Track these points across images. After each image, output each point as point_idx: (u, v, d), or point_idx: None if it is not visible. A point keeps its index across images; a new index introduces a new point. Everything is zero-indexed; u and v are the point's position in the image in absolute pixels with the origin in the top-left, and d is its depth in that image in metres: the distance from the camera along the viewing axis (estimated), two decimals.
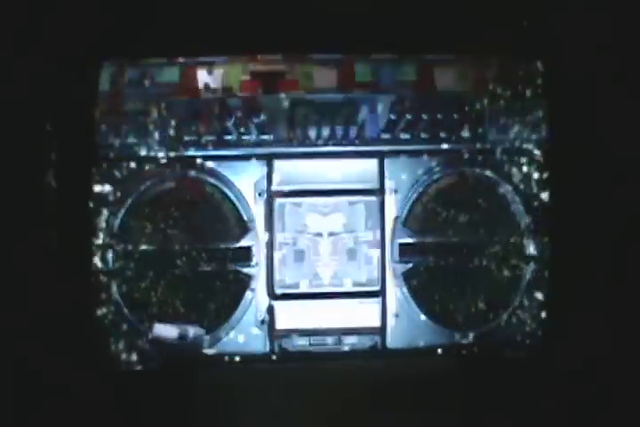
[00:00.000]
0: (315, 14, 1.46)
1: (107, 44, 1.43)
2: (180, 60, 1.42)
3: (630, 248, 1.45)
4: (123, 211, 1.41)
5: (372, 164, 1.45)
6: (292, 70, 1.43)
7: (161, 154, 1.42)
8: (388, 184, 1.45)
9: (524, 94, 1.47)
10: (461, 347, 1.46)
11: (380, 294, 1.45)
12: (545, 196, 1.47)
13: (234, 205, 1.43)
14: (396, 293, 1.45)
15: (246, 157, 1.44)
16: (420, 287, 1.46)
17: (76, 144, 1.42)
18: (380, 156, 1.45)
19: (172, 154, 1.42)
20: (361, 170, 1.45)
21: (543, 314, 1.47)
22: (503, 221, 1.47)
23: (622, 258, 1.46)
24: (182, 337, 1.40)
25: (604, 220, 1.48)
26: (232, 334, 1.42)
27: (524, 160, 1.47)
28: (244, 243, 1.43)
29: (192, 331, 1.41)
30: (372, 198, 1.45)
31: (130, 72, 1.41)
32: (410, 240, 1.45)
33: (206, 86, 1.42)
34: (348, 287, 1.45)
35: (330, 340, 1.44)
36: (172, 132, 1.42)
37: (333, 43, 1.44)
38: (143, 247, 1.41)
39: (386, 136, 1.45)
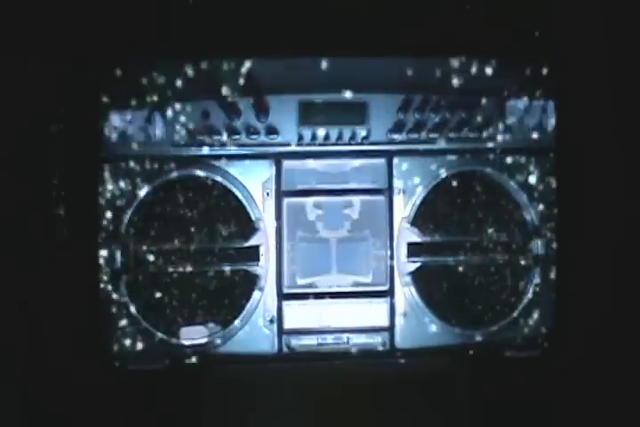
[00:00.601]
0: (322, 15, 1.46)
1: (114, 43, 1.43)
2: (189, 59, 1.42)
3: (635, 249, 1.46)
4: (130, 210, 1.41)
5: (381, 163, 1.45)
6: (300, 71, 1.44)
7: (169, 153, 1.42)
8: (396, 184, 1.45)
9: (530, 94, 1.47)
10: (469, 346, 1.46)
11: (389, 293, 1.45)
12: (552, 196, 1.47)
13: (242, 204, 1.43)
14: (404, 292, 1.45)
15: (255, 157, 1.44)
16: (428, 287, 1.46)
17: (83, 144, 1.42)
18: (389, 155, 1.45)
19: (180, 153, 1.42)
20: (369, 170, 1.45)
21: (550, 314, 1.47)
22: (510, 221, 1.47)
23: (627, 258, 1.46)
24: (206, 335, 1.41)
25: (610, 220, 1.49)
26: (240, 334, 1.42)
27: (531, 160, 1.47)
28: (252, 242, 1.43)
29: (213, 328, 1.41)
30: (381, 198, 1.45)
31: (137, 72, 1.40)
32: (418, 240, 1.45)
33: (214, 86, 1.42)
34: (357, 287, 1.45)
35: (338, 339, 1.44)
36: (180, 131, 1.42)
37: (341, 43, 1.45)
38: (151, 247, 1.41)
39: (394, 136, 1.45)
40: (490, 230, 1.46)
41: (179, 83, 1.40)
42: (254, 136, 1.43)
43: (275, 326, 1.43)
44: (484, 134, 1.46)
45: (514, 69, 1.46)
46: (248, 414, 1.42)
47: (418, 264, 1.45)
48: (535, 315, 1.47)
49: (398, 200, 1.46)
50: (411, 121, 1.45)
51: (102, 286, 1.40)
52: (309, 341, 1.44)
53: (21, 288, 1.32)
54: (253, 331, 1.43)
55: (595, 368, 1.46)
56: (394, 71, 1.44)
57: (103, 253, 1.40)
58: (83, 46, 1.42)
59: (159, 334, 1.40)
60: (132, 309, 1.40)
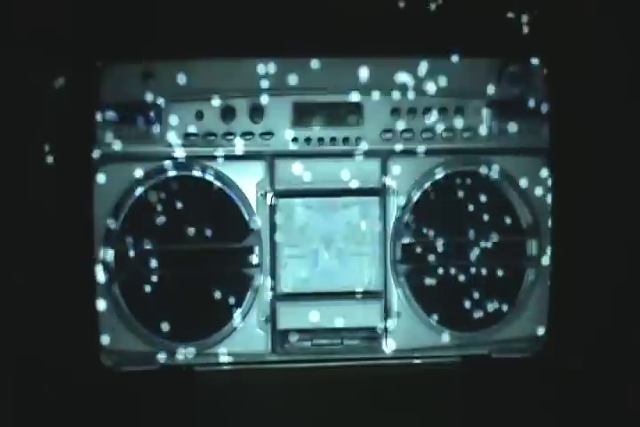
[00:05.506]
0: (316, 16, 1.46)
1: (109, 43, 1.43)
2: (184, 60, 1.42)
3: (632, 250, 1.46)
4: (124, 211, 1.40)
5: (375, 164, 1.45)
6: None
7: (163, 154, 1.42)
8: (391, 184, 1.45)
9: (525, 94, 1.47)
10: (463, 347, 1.46)
11: (383, 294, 1.45)
12: (548, 196, 1.47)
13: (236, 205, 1.43)
14: (398, 293, 1.45)
15: (249, 158, 1.43)
16: (423, 288, 1.45)
17: (76, 144, 1.42)
18: (383, 156, 1.45)
19: (173, 154, 1.42)
20: (363, 170, 1.45)
21: (546, 315, 1.47)
22: (505, 221, 1.47)
23: (624, 259, 1.46)
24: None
25: (606, 220, 1.49)
26: (234, 334, 1.42)
27: (526, 160, 1.47)
28: (246, 243, 1.43)
29: None
30: (375, 198, 1.45)
31: (132, 72, 1.40)
32: (412, 240, 1.45)
33: (209, 87, 1.42)
34: (351, 288, 1.45)
35: (332, 340, 1.44)
36: (174, 132, 1.41)
37: (335, 44, 1.45)
38: (145, 247, 1.41)
39: (388, 136, 1.45)
40: (484, 231, 1.46)
41: (174, 83, 1.40)
42: (248, 137, 1.43)
43: (269, 327, 1.43)
44: (479, 135, 1.46)
45: (512, 68, 1.46)
46: (241, 414, 1.42)
47: (412, 265, 1.45)
48: (530, 316, 1.47)
49: (392, 201, 1.45)
50: (405, 121, 1.44)
51: (95, 286, 1.40)
52: (303, 342, 1.44)
53: (14, 290, 1.33)
54: (247, 332, 1.43)
55: (591, 371, 1.46)
56: (388, 72, 1.44)
57: (97, 253, 1.40)
58: (78, 45, 1.42)
59: (152, 335, 1.40)
60: (126, 309, 1.40)
